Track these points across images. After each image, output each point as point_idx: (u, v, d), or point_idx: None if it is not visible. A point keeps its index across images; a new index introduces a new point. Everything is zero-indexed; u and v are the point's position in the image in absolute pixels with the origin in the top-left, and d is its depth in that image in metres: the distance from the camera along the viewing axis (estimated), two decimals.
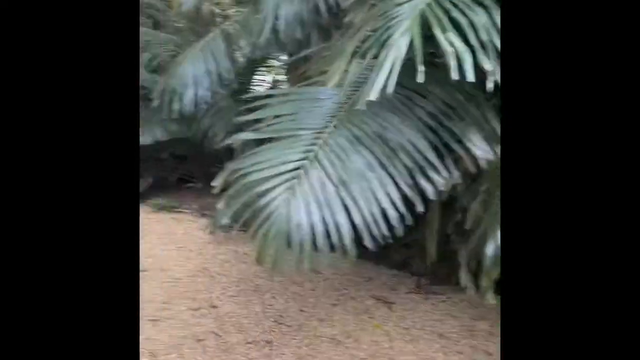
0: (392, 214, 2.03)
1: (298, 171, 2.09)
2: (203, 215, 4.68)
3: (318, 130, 2.22)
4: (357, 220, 2.01)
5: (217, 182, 2.13)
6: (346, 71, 2.16)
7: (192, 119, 4.94)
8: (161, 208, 4.99)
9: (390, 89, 1.90)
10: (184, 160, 5.72)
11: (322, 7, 3.27)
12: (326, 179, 2.07)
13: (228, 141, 2.35)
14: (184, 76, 3.43)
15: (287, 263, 2.01)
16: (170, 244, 4.12)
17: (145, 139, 4.67)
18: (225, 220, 3.59)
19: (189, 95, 3.43)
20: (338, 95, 2.27)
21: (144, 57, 5.40)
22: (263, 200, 2.04)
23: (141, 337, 2.57)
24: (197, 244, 4.13)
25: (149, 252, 3.88)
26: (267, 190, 2.04)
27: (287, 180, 2.07)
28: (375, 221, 2.01)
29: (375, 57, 2.01)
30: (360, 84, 2.25)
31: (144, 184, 5.21)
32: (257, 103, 2.51)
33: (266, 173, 2.09)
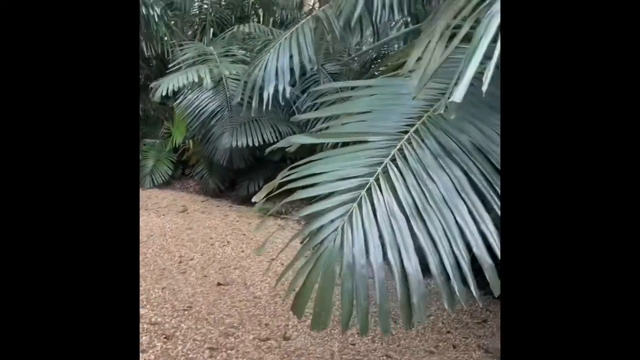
0: (485, 260, 1.38)
1: (359, 192, 1.54)
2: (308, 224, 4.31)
3: (392, 137, 1.64)
4: (434, 267, 1.41)
5: (258, 197, 1.66)
6: (420, 58, 1.54)
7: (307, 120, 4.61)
8: (267, 213, 4.73)
9: (487, 82, 1.27)
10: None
11: None
12: (395, 205, 1.49)
13: (280, 145, 1.86)
14: (268, 70, 3.02)
15: (333, 318, 1.48)
16: (264, 254, 3.79)
17: (252, 140, 4.44)
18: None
19: (269, 91, 3.00)
20: (423, 90, 1.66)
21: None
22: (309, 229, 1.54)
23: None
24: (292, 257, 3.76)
25: (238, 263, 3.59)
26: (316, 215, 1.53)
27: (342, 204, 1.53)
28: (460, 269, 1.38)
29: (469, 38, 1.39)
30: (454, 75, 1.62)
31: (252, 187, 5.00)
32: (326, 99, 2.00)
33: (317, 190, 1.58)
